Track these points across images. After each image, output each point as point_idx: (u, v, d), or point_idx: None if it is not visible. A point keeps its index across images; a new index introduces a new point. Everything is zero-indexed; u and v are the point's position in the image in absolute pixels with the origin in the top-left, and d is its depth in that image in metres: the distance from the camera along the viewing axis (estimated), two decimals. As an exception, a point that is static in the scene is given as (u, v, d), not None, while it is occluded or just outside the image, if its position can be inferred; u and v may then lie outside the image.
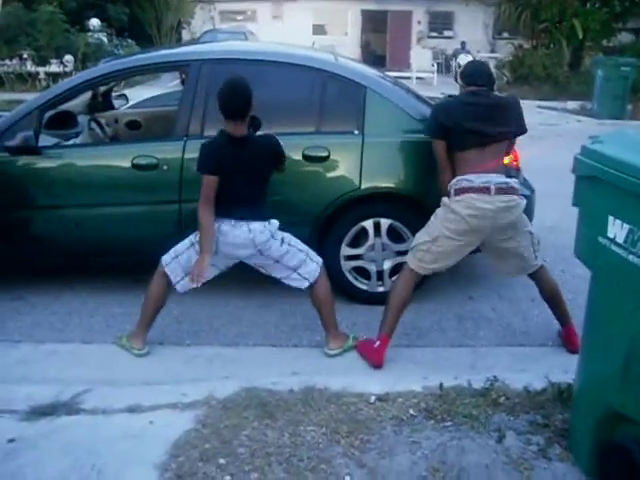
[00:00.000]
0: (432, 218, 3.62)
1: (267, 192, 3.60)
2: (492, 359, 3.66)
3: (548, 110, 14.76)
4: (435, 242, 3.52)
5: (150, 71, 5.36)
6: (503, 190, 3.48)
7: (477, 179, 3.47)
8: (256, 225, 3.45)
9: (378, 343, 3.55)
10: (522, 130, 3.75)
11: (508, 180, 3.56)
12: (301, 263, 3.58)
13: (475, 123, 3.53)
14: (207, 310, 4.23)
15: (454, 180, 3.56)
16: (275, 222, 3.54)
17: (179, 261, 3.57)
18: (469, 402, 2.94)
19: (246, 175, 3.44)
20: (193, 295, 4.16)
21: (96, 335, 3.93)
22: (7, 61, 17.17)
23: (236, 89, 3.35)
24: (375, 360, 3.54)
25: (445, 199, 3.58)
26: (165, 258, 3.60)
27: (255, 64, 4.22)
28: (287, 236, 3.58)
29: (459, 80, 3.78)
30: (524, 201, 3.62)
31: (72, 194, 4.17)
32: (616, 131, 2.57)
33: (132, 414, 2.92)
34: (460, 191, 3.49)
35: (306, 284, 3.60)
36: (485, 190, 3.44)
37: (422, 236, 3.59)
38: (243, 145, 3.43)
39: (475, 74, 3.73)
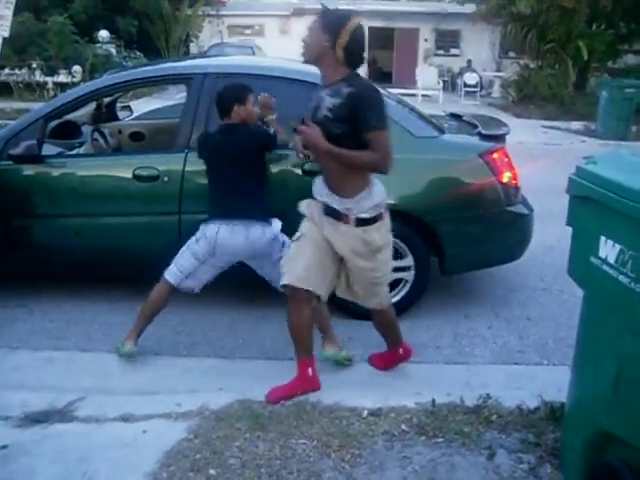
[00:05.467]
0: None
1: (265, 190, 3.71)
2: (486, 377, 3.65)
3: (552, 130, 14.78)
4: None
5: (154, 83, 5.41)
6: None
7: None
8: (255, 231, 3.55)
9: (401, 351, 3.64)
10: None
11: None
12: None
13: None
14: (204, 322, 4.24)
15: None
16: (277, 224, 3.64)
17: (177, 262, 3.65)
18: (461, 419, 2.94)
19: (233, 160, 3.59)
20: (191, 306, 4.20)
21: (93, 343, 3.95)
22: (16, 70, 17.35)
23: (220, 93, 3.68)
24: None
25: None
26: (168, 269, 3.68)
27: (256, 79, 4.23)
28: (287, 240, 3.63)
29: None
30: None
31: (73, 203, 4.21)
32: (610, 152, 2.60)
33: (125, 423, 2.94)
34: None
35: None
36: None
37: None
38: (229, 132, 3.65)
39: None
